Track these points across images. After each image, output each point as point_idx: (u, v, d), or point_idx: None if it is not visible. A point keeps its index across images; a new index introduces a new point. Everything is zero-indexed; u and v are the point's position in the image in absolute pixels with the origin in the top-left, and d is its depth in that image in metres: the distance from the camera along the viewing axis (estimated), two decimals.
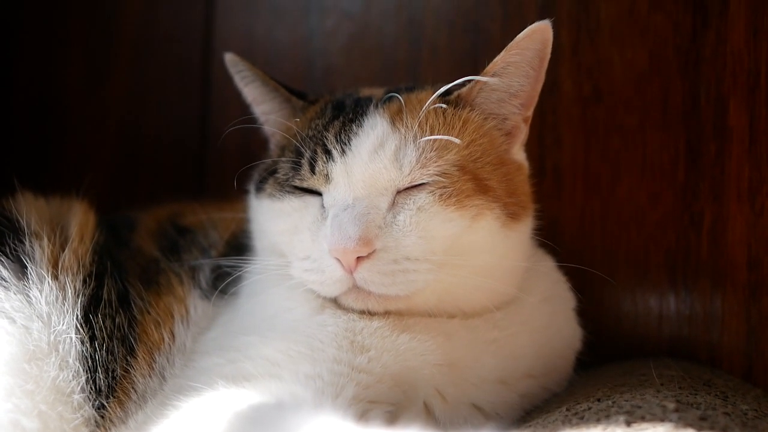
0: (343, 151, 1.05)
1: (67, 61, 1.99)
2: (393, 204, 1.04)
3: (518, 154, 1.16)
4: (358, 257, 0.99)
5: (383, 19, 1.74)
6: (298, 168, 1.09)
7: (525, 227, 1.14)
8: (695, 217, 1.36)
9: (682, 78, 1.39)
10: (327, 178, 1.06)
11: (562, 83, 1.51)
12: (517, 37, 1.07)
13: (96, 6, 1.99)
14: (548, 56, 1.10)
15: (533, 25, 1.07)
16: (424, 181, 1.03)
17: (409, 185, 1.04)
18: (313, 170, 1.07)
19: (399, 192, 1.04)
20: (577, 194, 1.49)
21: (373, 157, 1.04)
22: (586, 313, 1.25)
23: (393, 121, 1.06)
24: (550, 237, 1.46)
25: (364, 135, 1.06)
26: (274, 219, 1.11)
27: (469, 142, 1.08)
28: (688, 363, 1.28)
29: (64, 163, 1.97)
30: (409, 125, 1.05)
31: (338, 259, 1.00)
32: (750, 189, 1.29)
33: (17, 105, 2.01)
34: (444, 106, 1.09)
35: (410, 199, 1.03)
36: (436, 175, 1.03)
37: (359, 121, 1.07)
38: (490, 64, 1.09)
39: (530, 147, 1.51)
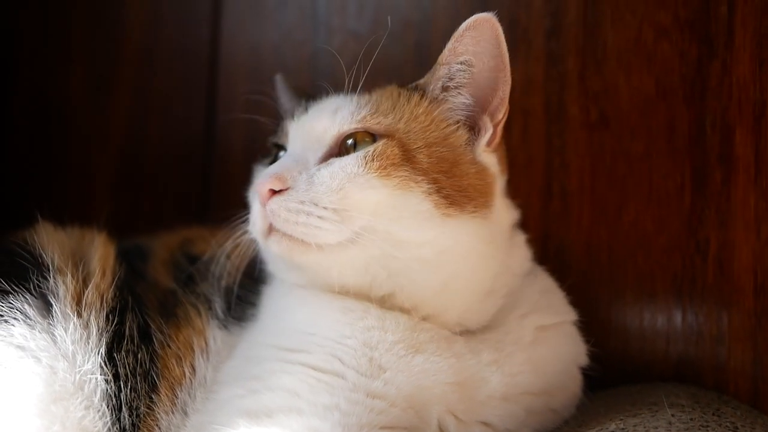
0: (304, 112, 1.18)
1: (70, 74, 2.00)
2: (323, 162, 1.11)
3: (483, 156, 1.17)
4: (271, 191, 1.06)
5: (390, 40, 1.75)
6: (276, 131, 1.25)
7: (475, 223, 1.13)
8: (701, 243, 1.37)
9: (688, 106, 1.41)
10: (287, 134, 1.18)
11: (568, 108, 1.53)
12: (461, 26, 1.12)
13: (100, 20, 2.00)
14: (504, 53, 1.12)
15: (474, 16, 1.11)
16: (351, 131, 1.11)
17: (340, 138, 1.12)
18: (283, 130, 1.21)
19: (333, 156, 1.11)
20: (584, 218, 1.51)
21: (317, 114, 1.15)
22: (593, 334, 1.26)
23: (351, 96, 1.16)
24: (558, 259, 1.50)
25: (323, 102, 1.19)
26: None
27: (409, 117, 1.13)
28: (696, 388, 1.30)
29: (67, 176, 1.99)
30: (360, 94, 1.16)
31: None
32: (756, 217, 1.30)
33: (19, 118, 2.02)
34: (399, 89, 1.18)
35: (339, 161, 1.10)
36: (364, 130, 1.11)
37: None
38: (441, 55, 1.16)
39: (537, 169, 1.56)
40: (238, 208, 1.24)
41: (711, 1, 1.40)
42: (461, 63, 1.13)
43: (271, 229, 1.09)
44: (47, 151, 2.00)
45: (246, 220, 1.18)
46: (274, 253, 1.13)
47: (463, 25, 1.11)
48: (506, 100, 1.15)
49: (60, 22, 2.01)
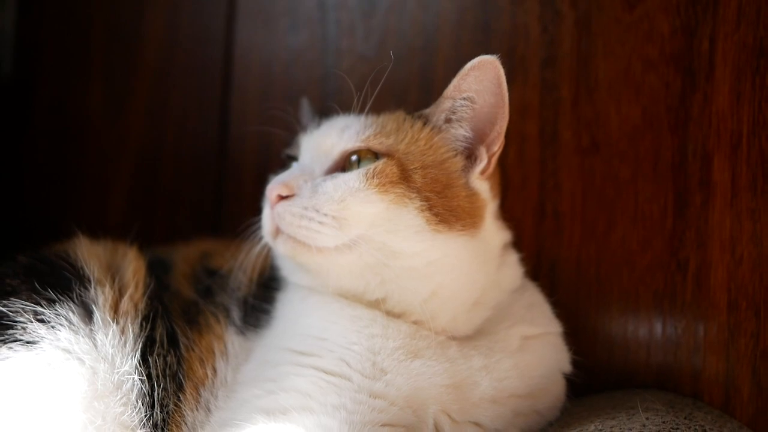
0: (316, 127, 1.30)
1: (88, 90, 2.08)
2: (328, 174, 1.22)
3: (476, 183, 1.27)
4: (279, 196, 1.19)
5: (395, 65, 1.84)
6: (291, 144, 1.36)
7: (462, 240, 1.23)
8: (681, 262, 1.46)
9: (672, 134, 1.48)
10: (299, 147, 1.30)
11: (562, 133, 1.62)
12: (466, 66, 1.23)
13: (118, 37, 2.09)
14: (504, 92, 1.22)
15: (479, 58, 1.22)
16: (355, 148, 1.22)
17: (345, 154, 1.22)
18: (297, 143, 1.33)
19: (338, 170, 1.22)
20: (574, 237, 1.59)
21: (327, 130, 1.27)
22: (580, 344, 1.37)
23: (359, 116, 1.27)
24: (550, 275, 1.60)
25: (334, 120, 1.31)
26: None
27: (410, 141, 1.24)
28: (673, 395, 1.39)
29: (84, 189, 2.08)
30: (367, 114, 1.27)
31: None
32: (731, 239, 1.39)
33: (38, 132, 2.11)
34: (405, 115, 1.28)
35: (343, 175, 1.21)
36: (367, 148, 1.22)
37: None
38: (446, 89, 1.26)
39: (532, 190, 1.64)
40: (250, 218, 1.35)
41: (694, 36, 1.49)
42: (464, 99, 1.24)
43: (278, 231, 1.22)
44: (65, 165, 2.09)
45: (258, 227, 1.29)
46: (280, 252, 1.26)
47: (468, 64, 1.22)
48: (503, 134, 1.25)
49: (79, 40, 2.10)
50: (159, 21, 2.09)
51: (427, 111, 1.29)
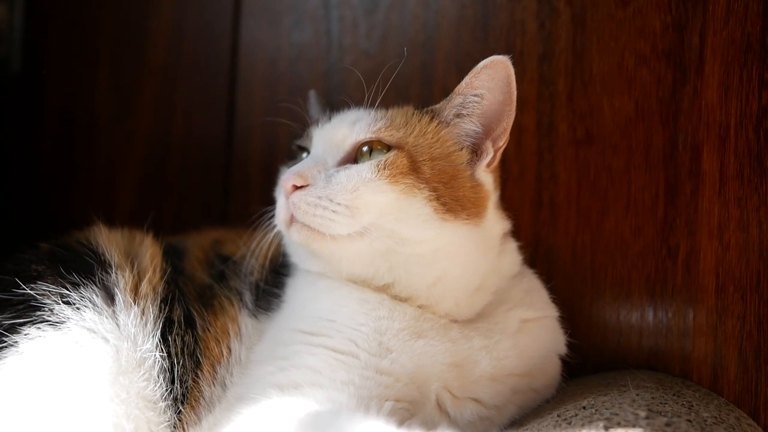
0: (327, 121, 1.35)
1: (95, 87, 2.14)
2: (341, 165, 1.27)
3: (481, 175, 1.34)
4: (294, 186, 1.23)
5: (398, 59, 1.89)
6: (301, 136, 1.41)
7: (467, 228, 1.29)
8: (672, 248, 1.52)
9: (663, 126, 1.54)
10: (311, 139, 1.34)
11: (558, 125, 1.68)
12: (479, 64, 1.28)
13: (125, 34, 2.14)
14: (513, 90, 1.29)
15: (492, 57, 1.27)
16: (366, 139, 1.27)
17: (356, 145, 1.28)
18: (308, 135, 1.37)
19: (350, 161, 1.28)
20: (570, 225, 1.65)
21: (338, 123, 1.32)
22: (576, 328, 1.43)
23: (369, 110, 1.33)
24: (546, 262, 1.66)
25: (345, 113, 1.35)
26: None
27: (418, 134, 1.30)
28: (663, 375, 1.46)
29: (92, 185, 2.13)
30: (376, 108, 1.32)
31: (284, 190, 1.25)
32: (719, 226, 1.45)
33: (46, 129, 2.16)
34: (414, 110, 1.34)
35: (356, 167, 1.26)
36: (378, 140, 1.27)
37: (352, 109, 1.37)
38: (458, 86, 1.31)
39: (529, 181, 1.70)
40: (256, 209, 1.40)
41: (685, 32, 1.54)
42: (475, 95, 1.30)
43: (292, 220, 1.27)
44: (73, 161, 2.15)
45: (268, 217, 1.35)
46: (294, 241, 1.31)
47: (482, 63, 1.28)
48: (509, 130, 1.32)
49: (86, 39, 2.15)
50: (165, 19, 2.14)
51: (436, 106, 1.35)
